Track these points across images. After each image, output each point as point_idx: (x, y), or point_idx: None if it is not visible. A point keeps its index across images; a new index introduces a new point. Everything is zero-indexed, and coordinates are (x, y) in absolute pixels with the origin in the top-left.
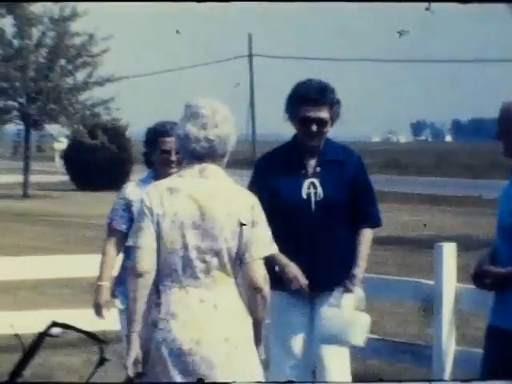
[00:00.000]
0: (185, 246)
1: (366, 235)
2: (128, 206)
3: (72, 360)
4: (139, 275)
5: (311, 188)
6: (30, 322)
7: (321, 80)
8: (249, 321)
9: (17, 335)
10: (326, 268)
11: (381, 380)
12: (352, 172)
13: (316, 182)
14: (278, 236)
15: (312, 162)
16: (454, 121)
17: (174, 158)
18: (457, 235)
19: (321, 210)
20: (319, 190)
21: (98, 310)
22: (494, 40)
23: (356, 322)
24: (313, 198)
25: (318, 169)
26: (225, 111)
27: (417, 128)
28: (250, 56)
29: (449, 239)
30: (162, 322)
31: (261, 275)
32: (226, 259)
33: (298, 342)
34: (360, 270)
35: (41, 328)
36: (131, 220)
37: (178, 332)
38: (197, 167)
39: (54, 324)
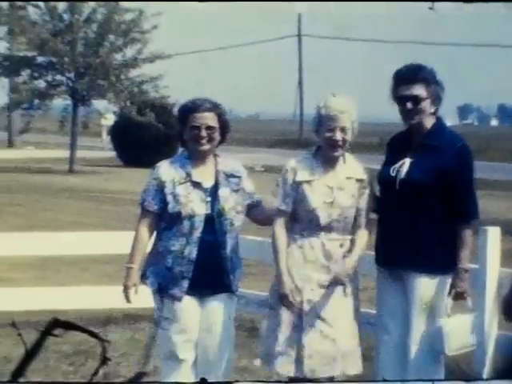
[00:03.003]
0: None
1: (466, 234)
2: (161, 187)
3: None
4: None
5: (402, 167)
6: (73, 298)
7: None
8: None
9: (19, 334)
10: (401, 247)
11: (383, 380)
12: (450, 160)
13: (408, 161)
14: (378, 207)
15: (415, 143)
16: (500, 105)
17: (204, 133)
18: (502, 220)
19: (405, 190)
20: (406, 169)
21: (126, 292)
22: None
23: (453, 330)
24: (398, 177)
25: (418, 151)
26: None
27: (463, 111)
28: (299, 36)
29: (494, 223)
30: None
31: None
32: None
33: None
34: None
35: (82, 304)
36: (163, 201)
37: None
38: None
39: (56, 323)
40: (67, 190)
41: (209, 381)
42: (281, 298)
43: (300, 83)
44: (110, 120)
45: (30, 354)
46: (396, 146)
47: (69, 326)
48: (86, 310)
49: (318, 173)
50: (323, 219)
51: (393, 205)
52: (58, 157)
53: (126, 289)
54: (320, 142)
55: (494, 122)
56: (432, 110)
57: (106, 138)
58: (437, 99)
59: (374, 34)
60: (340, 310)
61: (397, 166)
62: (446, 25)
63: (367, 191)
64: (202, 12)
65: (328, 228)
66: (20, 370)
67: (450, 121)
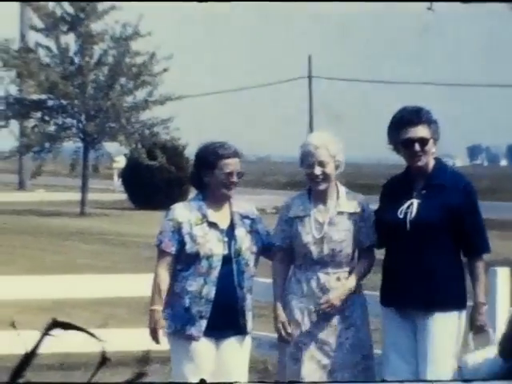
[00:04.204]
0: None
1: (478, 269)
2: (177, 228)
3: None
4: None
5: (410, 208)
6: (84, 341)
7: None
8: None
9: (19, 335)
10: (413, 287)
11: (382, 380)
12: (457, 198)
13: (415, 202)
14: (386, 251)
15: (419, 184)
16: (509, 145)
17: (235, 179)
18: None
19: (416, 231)
20: (415, 210)
21: (154, 334)
22: None
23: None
24: (408, 218)
25: (424, 191)
26: None
27: (473, 152)
28: (310, 77)
29: (504, 264)
30: None
31: None
32: None
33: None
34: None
35: (97, 348)
36: (181, 242)
37: None
38: None
39: (55, 323)
40: (78, 233)
41: (208, 381)
42: (276, 331)
43: (310, 125)
44: (120, 163)
45: (30, 356)
46: (397, 189)
47: (68, 326)
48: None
49: (309, 209)
50: (315, 254)
51: (403, 246)
52: (68, 199)
53: (152, 332)
54: (306, 177)
55: (504, 162)
56: (434, 150)
57: (117, 180)
58: (437, 138)
59: (380, 74)
60: (341, 342)
61: (404, 207)
62: (455, 64)
63: (366, 224)
64: (212, 55)
65: (322, 262)
66: (19, 371)
67: (460, 161)
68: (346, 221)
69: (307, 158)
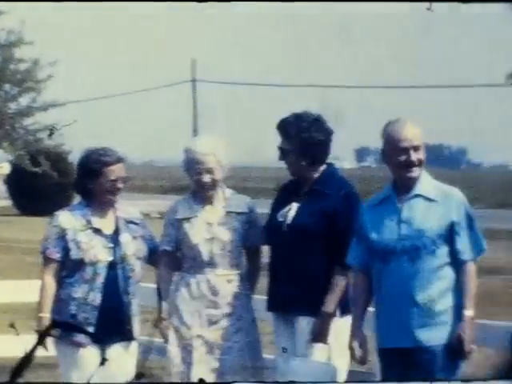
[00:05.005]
0: None
1: (337, 279)
2: (62, 235)
3: None
4: None
5: (288, 211)
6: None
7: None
8: None
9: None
10: (285, 289)
11: (382, 380)
12: (334, 206)
13: (295, 206)
14: (270, 254)
15: (304, 189)
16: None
17: (120, 185)
18: None
19: (292, 235)
20: (293, 214)
21: (42, 341)
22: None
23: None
24: (286, 221)
25: (305, 196)
26: None
27: (361, 154)
28: (194, 81)
29: None
30: None
31: None
32: None
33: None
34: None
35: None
36: (66, 249)
37: None
38: None
39: (54, 324)
40: None
41: (208, 381)
42: (162, 336)
43: (195, 129)
44: (5, 169)
45: (29, 355)
46: (286, 192)
47: (67, 326)
48: None
49: (197, 210)
50: (205, 255)
51: (281, 249)
52: None
53: (40, 338)
54: (192, 182)
55: None
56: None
57: (1, 186)
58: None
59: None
60: (230, 346)
61: (284, 210)
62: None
63: (253, 225)
64: (96, 61)
65: (212, 264)
66: (18, 371)
67: (348, 164)
68: (235, 221)
69: (194, 166)
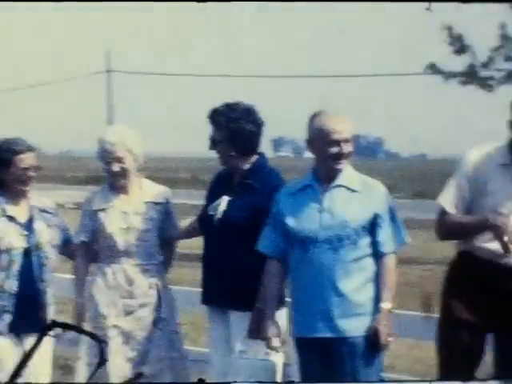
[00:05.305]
0: None
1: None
2: None
3: None
4: None
5: (219, 205)
6: None
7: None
8: None
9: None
10: (217, 283)
11: (381, 380)
12: (263, 200)
13: (226, 199)
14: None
15: (236, 181)
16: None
17: (32, 174)
18: None
19: (221, 228)
20: (223, 207)
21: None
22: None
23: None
24: (215, 215)
25: (236, 189)
26: None
27: (277, 144)
28: (108, 72)
29: None
30: None
31: None
32: None
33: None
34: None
35: None
36: None
37: None
38: None
39: (54, 324)
40: None
41: (207, 381)
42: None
43: (109, 119)
44: None
45: (28, 356)
46: (218, 184)
47: (67, 326)
48: None
49: (113, 200)
50: (121, 244)
51: (211, 242)
52: None
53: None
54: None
55: (309, 154)
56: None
57: None
58: (228, 139)
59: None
60: (147, 336)
61: (215, 203)
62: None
63: (170, 216)
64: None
65: (128, 253)
66: (18, 372)
67: (266, 154)
68: (151, 210)
69: (104, 155)
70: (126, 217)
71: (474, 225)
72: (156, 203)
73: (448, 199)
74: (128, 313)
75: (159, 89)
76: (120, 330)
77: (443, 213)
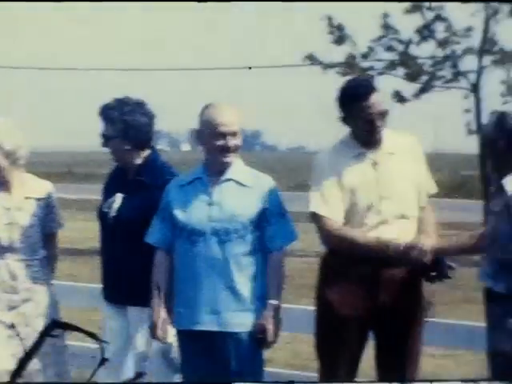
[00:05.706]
0: None
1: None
2: None
3: None
4: None
5: (113, 202)
6: None
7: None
8: None
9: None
10: (114, 279)
11: (380, 380)
12: (155, 196)
13: (119, 197)
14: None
15: (128, 178)
16: (192, 130)
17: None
18: None
19: (115, 225)
20: (117, 205)
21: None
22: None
23: None
24: (110, 213)
25: (130, 186)
26: None
27: (155, 137)
28: None
29: None
30: None
31: None
32: None
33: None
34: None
35: None
36: None
37: None
38: None
39: (54, 323)
40: None
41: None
42: None
43: None
44: None
45: (29, 355)
46: (112, 180)
47: (67, 326)
48: None
49: None
50: (4, 240)
51: (107, 239)
52: None
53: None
54: None
55: (186, 147)
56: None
57: None
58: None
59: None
60: (31, 331)
61: (110, 200)
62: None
63: (53, 210)
64: None
65: (11, 249)
66: (18, 371)
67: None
68: (34, 206)
69: None
70: (8, 212)
71: (371, 248)
72: (38, 198)
73: (325, 207)
74: (11, 308)
75: (42, 83)
76: (4, 324)
77: (326, 222)
